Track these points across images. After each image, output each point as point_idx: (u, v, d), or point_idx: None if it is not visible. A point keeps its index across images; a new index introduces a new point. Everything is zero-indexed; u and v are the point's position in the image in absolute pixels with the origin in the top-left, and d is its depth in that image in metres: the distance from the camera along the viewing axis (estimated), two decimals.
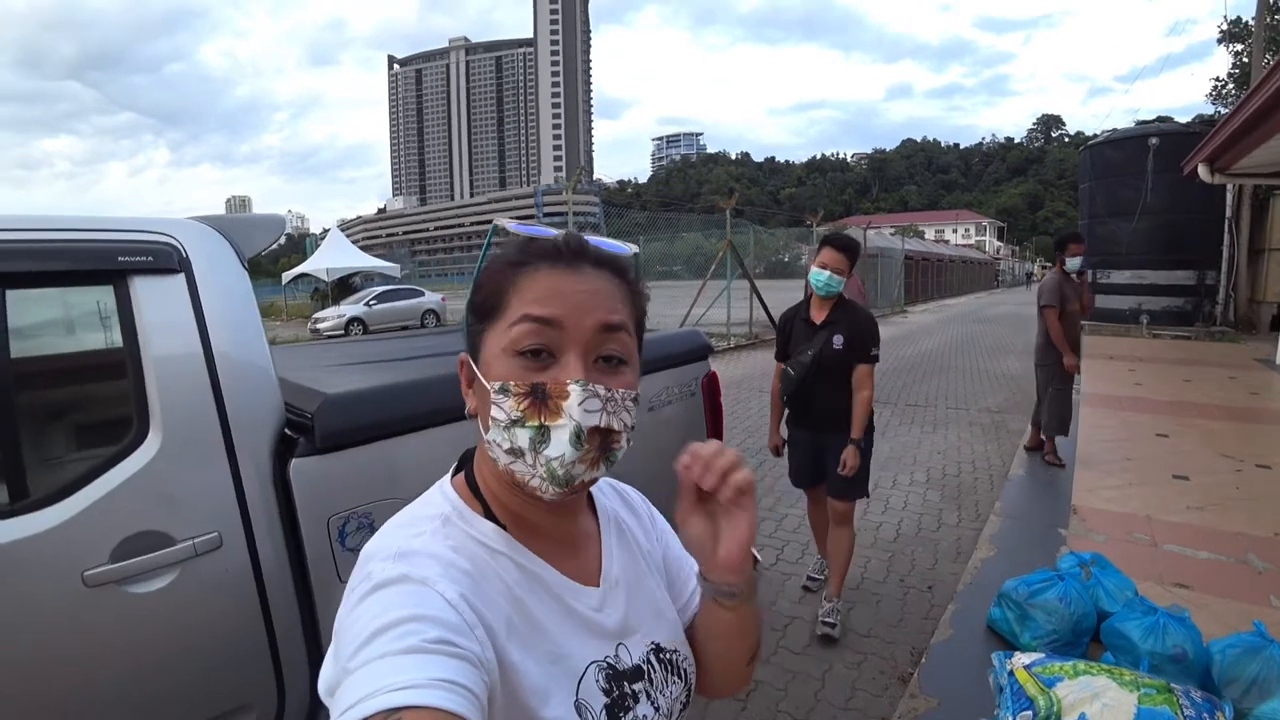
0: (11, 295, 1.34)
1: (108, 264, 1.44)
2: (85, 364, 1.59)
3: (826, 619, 2.87)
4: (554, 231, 0.64)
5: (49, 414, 1.53)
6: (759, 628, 0.77)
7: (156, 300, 1.49)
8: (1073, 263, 4.89)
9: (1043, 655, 2.13)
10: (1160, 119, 15.90)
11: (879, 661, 2.73)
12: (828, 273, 2.82)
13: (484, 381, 0.63)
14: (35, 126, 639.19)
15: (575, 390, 0.59)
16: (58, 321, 1.56)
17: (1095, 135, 16.95)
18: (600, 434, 0.61)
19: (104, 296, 1.47)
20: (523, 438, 0.60)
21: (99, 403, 1.61)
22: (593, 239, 0.72)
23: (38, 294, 1.43)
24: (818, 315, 2.95)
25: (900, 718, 2.31)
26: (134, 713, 1.42)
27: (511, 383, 0.61)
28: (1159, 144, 12.96)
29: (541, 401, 0.60)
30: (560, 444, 0.59)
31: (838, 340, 2.85)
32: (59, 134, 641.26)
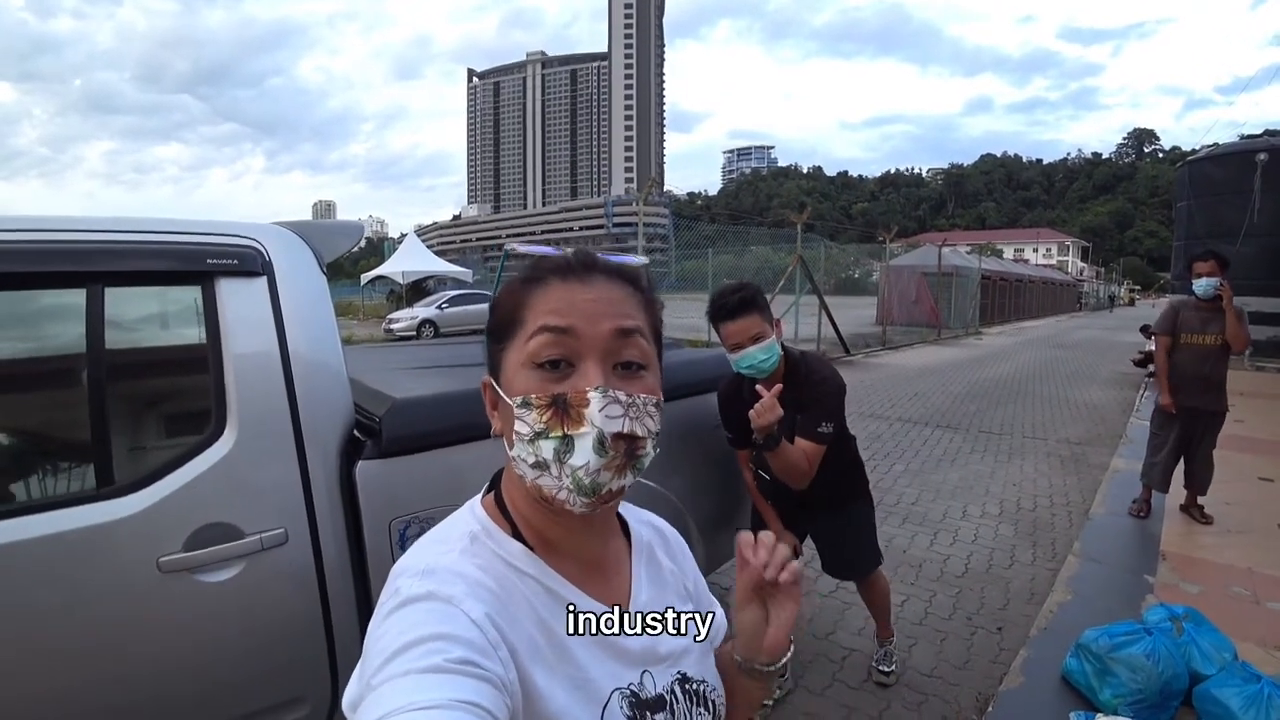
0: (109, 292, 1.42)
1: (197, 265, 1.51)
2: (170, 359, 1.67)
3: (881, 666, 2.70)
4: (548, 250, 0.66)
5: (135, 405, 1.62)
6: (771, 691, 0.78)
7: (240, 301, 1.55)
8: (1199, 285, 4.10)
9: None
10: (1269, 133, 14.79)
11: (941, 705, 2.58)
12: (750, 350, 2.06)
13: (506, 398, 0.63)
14: (150, 135, 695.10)
15: (595, 397, 0.59)
16: (147, 318, 1.64)
17: (1193, 150, 15.95)
18: (625, 440, 0.61)
19: (192, 296, 1.54)
20: (547, 449, 0.60)
21: (180, 398, 1.69)
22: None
23: (131, 291, 1.51)
24: None
25: None
26: (195, 695, 1.47)
27: (533, 395, 0.61)
28: (1268, 160, 12.02)
29: (563, 411, 0.60)
30: (584, 452, 0.59)
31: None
32: (170, 142, 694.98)
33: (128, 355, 1.54)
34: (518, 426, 0.61)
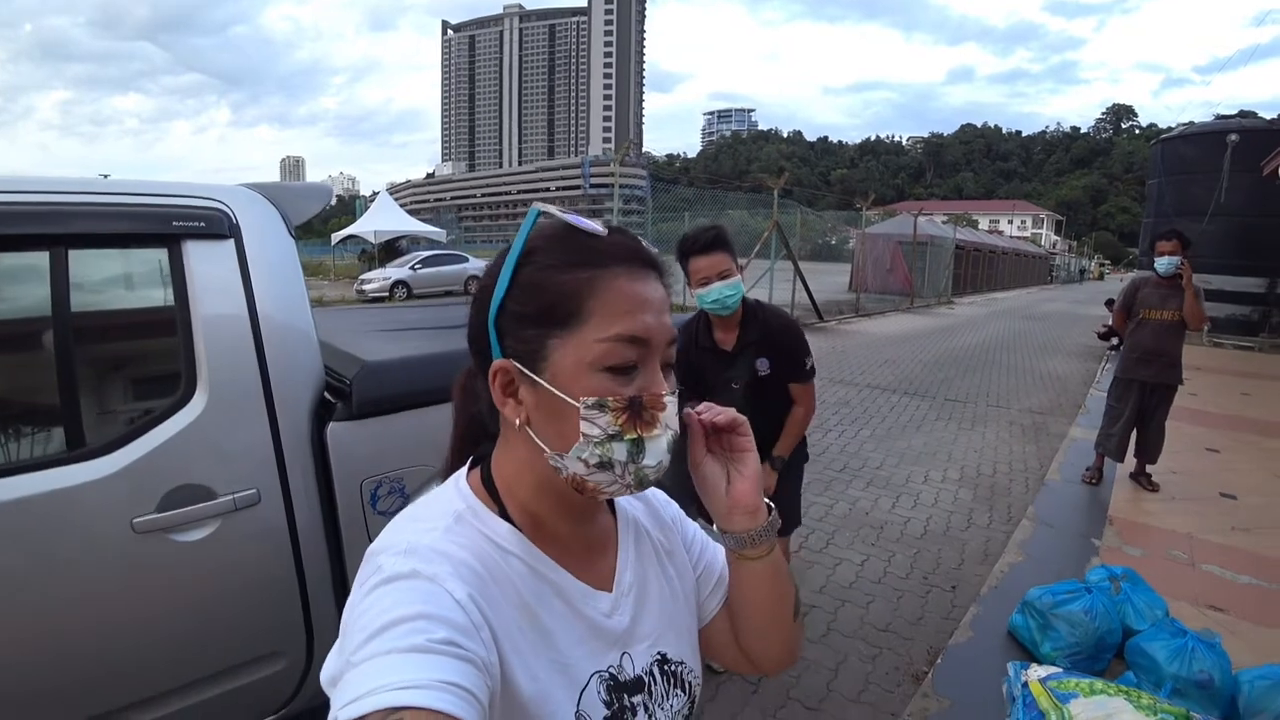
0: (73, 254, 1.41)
1: (163, 228, 1.50)
2: (138, 322, 1.66)
3: None
4: (590, 223, 0.62)
5: (104, 369, 1.61)
6: (792, 579, 0.76)
7: (207, 264, 1.55)
8: (1160, 263, 4.26)
9: (1060, 670, 2.10)
10: (1242, 114, 15.00)
11: (894, 657, 2.72)
12: (716, 285, 2.15)
13: (562, 396, 0.60)
14: (107, 85, 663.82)
15: (670, 402, 0.61)
16: (113, 281, 1.63)
17: (1169, 128, 16.12)
18: None
19: (158, 258, 1.53)
20: (620, 451, 0.59)
21: (151, 361, 1.69)
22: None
23: (95, 254, 1.50)
24: (726, 339, 2.34)
25: (910, 716, 2.31)
26: (174, 651, 1.51)
27: (610, 398, 0.59)
28: (1238, 141, 12.23)
29: (637, 414, 0.60)
30: (657, 453, 0.60)
31: (762, 364, 2.31)
32: (129, 92, 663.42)
33: (95, 318, 1.53)
34: (586, 428, 0.59)
